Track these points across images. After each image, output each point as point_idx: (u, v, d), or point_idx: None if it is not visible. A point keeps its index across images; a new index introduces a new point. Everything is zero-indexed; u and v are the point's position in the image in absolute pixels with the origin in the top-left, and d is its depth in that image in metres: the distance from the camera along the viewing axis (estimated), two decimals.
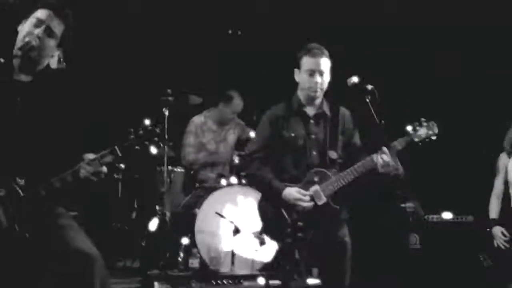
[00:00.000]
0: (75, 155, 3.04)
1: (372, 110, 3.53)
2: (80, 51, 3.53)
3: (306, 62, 3.66)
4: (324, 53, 3.67)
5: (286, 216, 3.54)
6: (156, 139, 3.01)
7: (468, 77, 5.96)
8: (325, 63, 3.66)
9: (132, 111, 5.54)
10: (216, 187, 5.24)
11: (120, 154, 3.00)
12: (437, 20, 5.93)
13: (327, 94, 3.76)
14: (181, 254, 4.95)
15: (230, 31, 6.03)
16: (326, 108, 3.75)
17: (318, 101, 3.72)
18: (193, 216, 5.01)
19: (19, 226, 2.93)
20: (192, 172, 5.62)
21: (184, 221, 5.11)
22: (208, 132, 5.83)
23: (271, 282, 4.40)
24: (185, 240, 4.97)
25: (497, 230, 4.55)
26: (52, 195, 3.01)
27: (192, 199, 5.32)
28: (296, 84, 3.77)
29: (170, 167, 5.40)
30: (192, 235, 4.96)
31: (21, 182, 2.99)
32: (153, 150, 3.00)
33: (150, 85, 5.45)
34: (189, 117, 5.81)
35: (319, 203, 3.53)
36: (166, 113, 5.09)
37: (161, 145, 2.99)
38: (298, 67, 3.71)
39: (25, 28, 3.11)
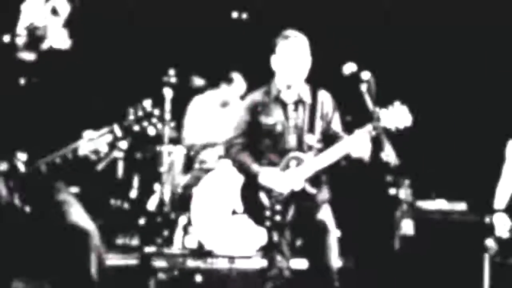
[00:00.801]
0: (75, 133, 3.13)
1: (368, 100, 3.58)
2: (84, 31, 3.58)
3: (282, 47, 3.68)
4: (300, 38, 3.69)
5: (264, 200, 3.63)
6: (155, 120, 3.08)
7: (462, 64, 5.98)
8: (302, 48, 3.68)
9: (134, 91, 5.66)
10: (214, 168, 5.33)
11: (119, 134, 3.07)
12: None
13: (311, 80, 3.78)
14: (179, 233, 5.04)
15: (235, 15, 6.06)
16: (304, 94, 3.76)
17: (296, 87, 3.74)
18: (191, 197, 5.11)
19: (19, 201, 3.03)
20: (192, 152, 5.70)
21: (182, 200, 5.22)
22: (210, 113, 5.91)
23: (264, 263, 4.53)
24: (183, 220, 5.06)
25: (499, 218, 4.45)
26: (52, 171, 3.10)
27: (191, 180, 5.40)
28: None
29: (171, 147, 5.48)
30: (190, 215, 5.06)
31: (22, 157, 3.09)
32: (151, 131, 3.07)
33: (154, 66, 5.51)
34: (192, 98, 5.87)
35: (296, 187, 3.61)
36: (169, 93, 5.15)
37: (160, 126, 3.04)
38: (275, 53, 3.73)
39: (30, 7, 3.18)
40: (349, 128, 3.75)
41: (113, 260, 4.49)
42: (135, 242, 5.30)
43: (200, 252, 4.94)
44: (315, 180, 3.67)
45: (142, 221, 5.23)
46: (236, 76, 5.86)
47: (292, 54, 3.67)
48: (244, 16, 6.18)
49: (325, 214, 3.74)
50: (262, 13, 6.22)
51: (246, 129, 3.77)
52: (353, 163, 3.64)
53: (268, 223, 3.61)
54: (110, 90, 5.21)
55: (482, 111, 5.68)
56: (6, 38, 3.17)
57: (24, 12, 3.19)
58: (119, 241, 5.33)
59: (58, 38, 3.28)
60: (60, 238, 3.02)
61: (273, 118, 3.73)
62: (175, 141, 5.61)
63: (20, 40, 3.17)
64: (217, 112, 5.92)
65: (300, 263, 3.87)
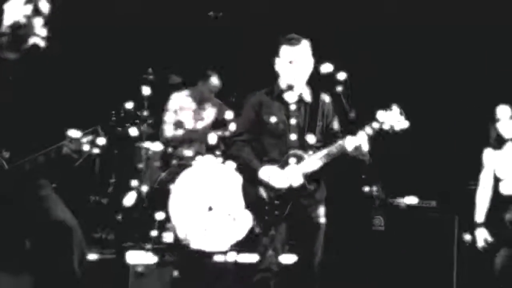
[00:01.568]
0: (59, 132, 3.19)
1: (344, 100, 3.73)
2: (64, 30, 3.63)
3: (285, 51, 3.81)
4: (303, 42, 3.81)
5: (264, 195, 3.76)
6: (137, 121, 3.16)
7: (444, 66, 6.12)
8: (304, 52, 3.81)
9: (114, 89, 5.71)
10: (191, 165, 5.41)
11: (102, 134, 3.15)
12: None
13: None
14: (156, 229, 5.10)
15: (211, 14, 6.13)
16: (306, 95, 3.91)
17: (298, 88, 3.88)
18: (169, 192, 5.19)
19: (2, 197, 3.09)
20: (169, 149, 5.78)
21: (159, 197, 5.29)
22: (187, 110, 5.99)
23: (241, 258, 4.64)
24: (160, 215, 5.12)
25: (481, 233, 4.52)
26: (35, 169, 3.16)
27: (168, 176, 5.48)
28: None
29: (148, 144, 5.54)
30: (167, 210, 5.14)
31: (6, 155, 3.14)
32: (133, 132, 3.16)
33: (132, 64, 5.56)
34: (169, 96, 5.95)
35: (295, 183, 3.74)
36: (147, 91, 5.21)
37: (142, 128, 3.13)
38: (278, 54, 3.86)
39: (13, 7, 3.22)
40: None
41: (91, 255, 4.53)
42: (111, 237, 5.34)
43: (177, 247, 5.01)
44: (314, 177, 3.80)
45: (119, 217, 5.27)
46: (212, 74, 5.97)
47: (295, 58, 3.80)
48: (220, 14, 6.24)
49: (321, 213, 3.88)
50: (237, 13, 6.30)
51: (249, 127, 3.90)
52: (352, 162, 3.77)
53: (267, 217, 3.73)
54: (92, 88, 5.28)
55: (460, 114, 5.82)
56: None
57: (7, 11, 3.24)
58: (96, 235, 5.37)
59: (40, 37, 3.34)
60: (44, 234, 3.09)
61: (276, 117, 3.85)
62: (153, 137, 5.67)
63: (4, 39, 3.22)
64: (194, 109, 6.01)
65: (289, 258, 3.97)
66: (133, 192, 5.23)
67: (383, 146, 3.79)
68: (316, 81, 3.94)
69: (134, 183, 5.27)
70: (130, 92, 5.31)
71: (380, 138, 3.67)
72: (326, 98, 3.95)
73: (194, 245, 5.05)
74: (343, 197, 5.42)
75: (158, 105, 5.72)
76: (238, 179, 5.04)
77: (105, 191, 5.55)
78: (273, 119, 3.84)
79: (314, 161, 3.74)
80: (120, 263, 4.48)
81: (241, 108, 5.59)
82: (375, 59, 6.11)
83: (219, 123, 5.93)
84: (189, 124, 5.98)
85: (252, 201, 3.83)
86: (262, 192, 3.77)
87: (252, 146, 3.88)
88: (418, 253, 5.29)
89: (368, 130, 3.67)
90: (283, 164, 3.78)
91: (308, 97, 3.91)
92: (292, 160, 3.77)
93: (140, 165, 5.34)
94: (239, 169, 4.07)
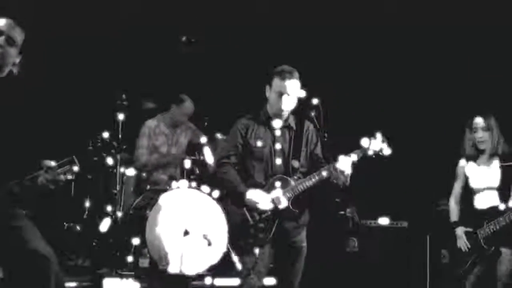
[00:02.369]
0: (34, 162, 3.19)
1: (317, 125, 3.86)
2: (37, 57, 3.65)
3: (276, 83, 3.95)
4: (294, 76, 3.94)
5: (249, 218, 3.85)
6: (113, 151, 3.19)
7: (406, 83, 6.25)
8: (294, 86, 3.94)
9: (88, 116, 5.72)
10: (166, 189, 5.42)
11: (78, 164, 3.16)
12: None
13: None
14: (131, 254, 5.10)
15: (183, 39, 6.18)
16: (292, 121, 4.06)
17: (285, 115, 4.02)
18: (144, 218, 5.18)
19: None
20: (144, 174, 5.79)
21: (134, 222, 5.28)
22: (161, 135, 6.03)
23: (217, 282, 4.66)
24: (135, 241, 5.12)
25: (460, 231, 4.67)
26: (10, 199, 3.16)
27: (142, 201, 5.47)
28: (262, 98, 4.05)
29: (122, 169, 5.54)
30: (142, 235, 5.13)
31: None
32: (110, 161, 3.19)
33: (105, 90, 5.58)
34: (143, 121, 5.99)
35: (280, 207, 3.84)
36: (121, 117, 5.23)
37: (118, 157, 3.15)
38: (269, 85, 3.99)
39: None
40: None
41: (67, 283, 4.50)
42: (87, 263, 5.31)
43: (153, 272, 5.00)
44: (298, 201, 3.90)
45: (94, 243, 5.25)
46: (185, 98, 6.03)
47: (286, 91, 3.92)
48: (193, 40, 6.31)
49: (303, 237, 3.99)
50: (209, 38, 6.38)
51: (236, 150, 3.99)
52: (332, 186, 3.86)
53: (251, 240, 3.81)
54: (66, 116, 5.28)
55: (425, 132, 5.93)
56: None
57: None
58: (71, 262, 5.33)
59: (15, 66, 3.36)
60: (20, 264, 3.07)
61: (262, 141, 3.97)
62: (127, 162, 5.68)
63: None
64: (168, 134, 6.05)
65: (270, 281, 4.02)
66: (108, 217, 5.23)
67: (356, 169, 3.89)
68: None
69: (108, 208, 5.26)
70: (104, 118, 5.37)
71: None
72: (310, 125, 4.09)
73: (171, 269, 5.04)
74: (316, 220, 5.49)
75: (132, 130, 5.73)
76: (213, 203, 5.13)
77: (79, 217, 5.52)
78: (259, 144, 3.95)
79: (299, 185, 3.86)
80: None
81: (214, 132, 5.69)
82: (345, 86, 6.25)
83: (193, 147, 5.97)
84: (163, 148, 6.01)
85: (237, 224, 3.91)
86: (248, 215, 3.86)
87: (238, 169, 3.97)
88: (392, 272, 5.37)
89: (354, 156, 3.81)
90: (269, 187, 3.89)
91: (293, 124, 4.05)
92: (277, 184, 3.88)
93: (115, 190, 5.33)
94: (225, 191, 4.15)
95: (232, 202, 3.97)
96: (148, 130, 5.97)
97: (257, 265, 3.79)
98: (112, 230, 5.19)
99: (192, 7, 6.18)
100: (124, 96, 5.31)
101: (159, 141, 6.00)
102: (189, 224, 5.14)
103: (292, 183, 3.88)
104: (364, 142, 3.83)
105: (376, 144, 3.84)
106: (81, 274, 4.95)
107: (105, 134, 3.22)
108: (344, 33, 6.27)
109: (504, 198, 4.58)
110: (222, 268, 4.96)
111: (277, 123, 3.99)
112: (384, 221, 5.48)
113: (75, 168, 3.16)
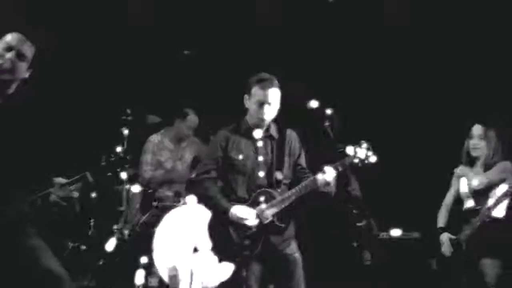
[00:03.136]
0: (44, 179, 3.10)
1: (331, 135, 3.75)
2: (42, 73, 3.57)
3: (256, 92, 3.81)
4: (273, 84, 3.81)
5: (234, 235, 3.71)
6: (127, 165, 3.10)
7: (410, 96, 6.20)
8: (275, 94, 3.81)
9: (92, 132, 5.63)
10: (174, 206, 5.32)
11: (91, 180, 3.07)
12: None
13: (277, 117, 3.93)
14: (140, 273, 4.97)
15: (186, 52, 6.14)
16: (273, 131, 3.92)
17: (265, 125, 3.88)
18: (151, 235, 5.07)
19: None
20: (149, 190, 5.68)
21: (142, 240, 5.17)
22: (165, 150, 5.92)
23: None
24: (143, 259, 5.00)
25: (445, 237, 4.68)
26: (21, 218, 3.06)
27: (150, 218, 5.36)
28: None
29: (127, 186, 5.43)
30: (151, 254, 5.02)
31: None
32: (124, 175, 3.10)
33: (110, 105, 5.50)
34: (148, 136, 5.88)
35: (265, 221, 3.71)
36: (126, 132, 5.13)
37: (131, 172, 3.08)
38: (249, 94, 3.85)
39: None
40: (315, 163, 3.88)
41: None
42: (93, 283, 5.18)
43: None
44: (283, 215, 3.76)
45: (100, 262, 5.13)
46: (189, 112, 5.93)
47: (266, 100, 3.79)
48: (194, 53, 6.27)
49: (294, 248, 3.84)
50: (211, 50, 6.33)
51: (216, 164, 3.85)
52: (320, 197, 3.76)
53: (236, 258, 3.67)
54: (71, 132, 5.18)
55: (434, 143, 5.89)
56: None
57: None
58: (78, 283, 5.20)
59: (24, 81, 3.28)
60: (33, 285, 2.97)
61: (243, 153, 3.83)
62: (132, 179, 5.57)
63: None
64: (172, 149, 5.94)
65: None
66: (114, 236, 5.11)
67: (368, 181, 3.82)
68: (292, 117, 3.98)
69: (114, 226, 5.15)
70: (109, 133, 5.29)
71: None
72: (292, 134, 3.96)
73: (182, 287, 4.93)
74: (332, 233, 5.42)
75: (136, 145, 5.64)
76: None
77: (84, 237, 5.39)
78: (240, 156, 3.82)
79: (284, 198, 3.73)
80: None
81: None
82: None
83: (198, 162, 5.85)
84: (168, 164, 5.90)
85: (220, 242, 3.77)
86: (232, 232, 3.72)
87: (219, 184, 3.85)
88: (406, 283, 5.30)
89: (338, 166, 3.71)
90: (253, 202, 3.76)
91: (275, 134, 3.92)
92: (261, 198, 3.75)
93: (121, 208, 5.21)
94: (206, 208, 3.98)
95: (215, 219, 3.82)
96: (152, 146, 5.86)
97: (247, 283, 3.67)
98: (119, 249, 5.07)
99: (198, 21, 6.11)
100: (128, 111, 5.21)
101: (163, 156, 5.89)
102: (198, 241, 5.04)
103: (277, 196, 3.75)
104: (349, 150, 3.72)
105: (361, 152, 3.72)
106: None
107: (119, 149, 3.11)
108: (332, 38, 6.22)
109: (479, 204, 4.57)
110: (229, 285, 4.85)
111: (258, 134, 3.86)
112: (396, 232, 5.39)
113: (88, 184, 3.07)
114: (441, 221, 4.81)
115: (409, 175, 5.95)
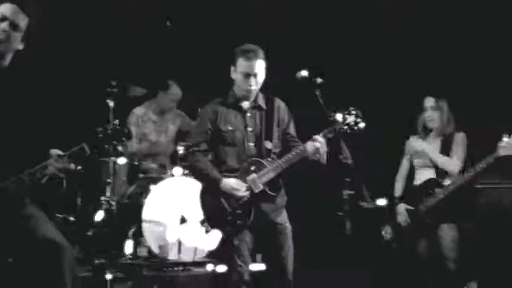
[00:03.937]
0: (42, 151, 3.11)
1: (322, 103, 3.80)
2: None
3: (241, 64, 3.85)
4: (259, 55, 3.85)
5: (226, 205, 3.78)
6: (123, 138, 3.12)
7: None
8: (260, 65, 3.86)
9: (78, 104, 5.59)
10: (161, 178, 5.35)
11: (88, 152, 3.08)
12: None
13: (266, 88, 3.98)
14: (129, 243, 5.02)
15: (168, 23, 6.09)
16: (261, 101, 3.98)
17: (253, 96, 3.93)
18: (139, 206, 5.11)
19: None
20: (135, 162, 5.69)
21: (130, 210, 5.21)
22: (149, 122, 5.92)
23: (218, 268, 4.61)
24: (132, 230, 5.05)
25: (402, 207, 4.79)
26: (20, 190, 3.07)
27: (137, 189, 5.41)
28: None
29: (114, 158, 5.43)
30: (139, 224, 5.06)
31: None
32: (120, 148, 3.11)
33: (94, 77, 5.46)
34: (131, 108, 5.88)
35: (256, 190, 3.78)
36: (111, 104, 5.11)
37: (127, 144, 3.08)
38: (234, 65, 3.89)
39: None
40: (305, 131, 3.94)
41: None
42: (83, 254, 5.20)
43: (154, 260, 4.94)
44: (274, 184, 3.84)
45: (89, 233, 5.15)
46: (171, 83, 5.93)
47: (251, 71, 3.83)
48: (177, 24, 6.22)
49: (284, 217, 3.92)
50: (194, 21, 6.29)
51: (206, 136, 3.90)
52: (311, 165, 3.82)
53: (229, 228, 3.73)
54: (59, 106, 5.11)
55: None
56: None
57: None
58: None
59: (18, 52, 3.26)
60: (32, 253, 3.00)
61: (232, 125, 3.89)
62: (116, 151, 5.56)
63: None
64: (156, 122, 5.94)
65: (259, 266, 3.97)
66: (102, 207, 5.13)
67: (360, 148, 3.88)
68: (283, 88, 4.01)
69: (102, 197, 5.16)
70: (93, 106, 5.26)
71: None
72: (280, 103, 4.02)
73: (170, 257, 4.99)
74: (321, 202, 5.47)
75: (121, 117, 5.61)
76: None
77: (72, 209, 5.40)
78: (229, 127, 3.88)
79: (274, 167, 3.80)
80: (97, 280, 4.40)
81: None
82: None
83: (183, 135, 5.88)
84: (152, 136, 5.91)
85: (214, 212, 3.83)
86: (224, 203, 3.78)
87: (209, 156, 3.91)
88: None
89: (327, 133, 3.77)
90: (244, 172, 3.82)
91: (263, 104, 3.97)
92: (252, 167, 3.82)
93: (108, 180, 5.22)
94: (198, 180, 4.06)
95: (206, 190, 3.88)
96: (136, 118, 5.86)
97: (240, 252, 3.75)
98: (108, 219, 5.09)
99: None
100: (113, 83, 5.17)
101: (147, 128, 5.90)
102: (185, 212, 5.09)
103: (267, 165, 3.82)
104: (338, 117, 3.80)
105: (350, 119, 3.80)
106: (79, 264, 4.83)
107: (116, 121, 3.12)
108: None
109: (441, 177, 4.70)
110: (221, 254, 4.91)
111: (246, 105, 3.92)
112: (382, 202, 5.45)
113: (85, 156, 3.08)
114: (397, 191, 4.93)
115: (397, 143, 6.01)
